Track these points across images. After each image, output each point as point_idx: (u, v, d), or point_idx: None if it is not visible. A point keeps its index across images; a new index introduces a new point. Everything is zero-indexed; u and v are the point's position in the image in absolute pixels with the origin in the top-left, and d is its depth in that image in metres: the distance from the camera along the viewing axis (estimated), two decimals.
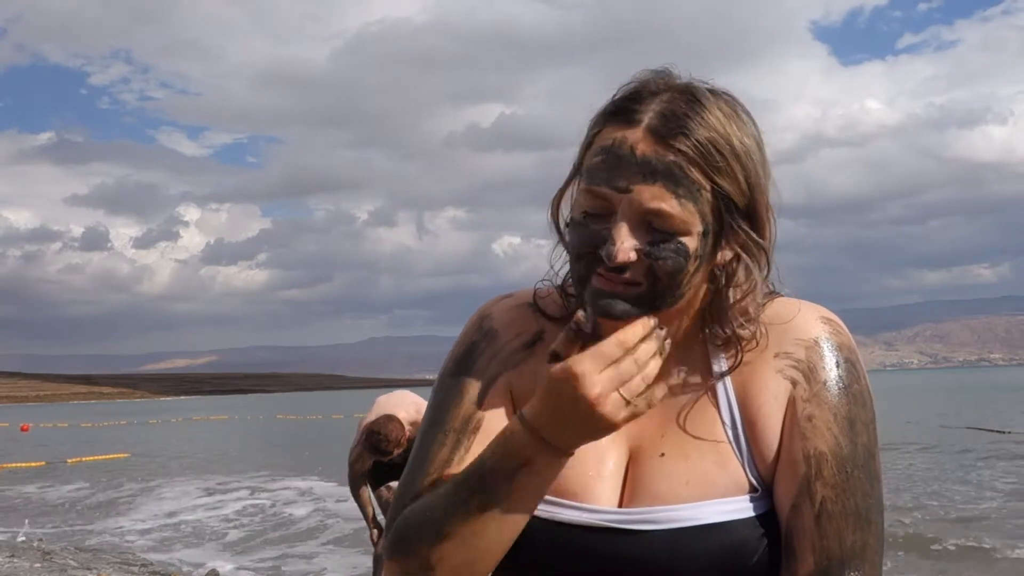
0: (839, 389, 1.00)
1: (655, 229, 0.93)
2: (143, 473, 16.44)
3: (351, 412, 52.35)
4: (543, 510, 0.98)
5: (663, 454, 1.01)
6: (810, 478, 0.97)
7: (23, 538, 8.84)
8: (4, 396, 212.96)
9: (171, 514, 10.67)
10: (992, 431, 18.11)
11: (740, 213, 0.96)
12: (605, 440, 0.95)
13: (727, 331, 1.01)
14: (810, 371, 1.01)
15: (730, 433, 1.01)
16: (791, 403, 1.00)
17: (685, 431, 1.02)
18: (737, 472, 0.99)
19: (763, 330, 1.02)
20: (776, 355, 1.02)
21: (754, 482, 0.99)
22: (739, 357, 1.01)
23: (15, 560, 6.90)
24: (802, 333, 1.03)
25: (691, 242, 0.93)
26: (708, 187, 0.94)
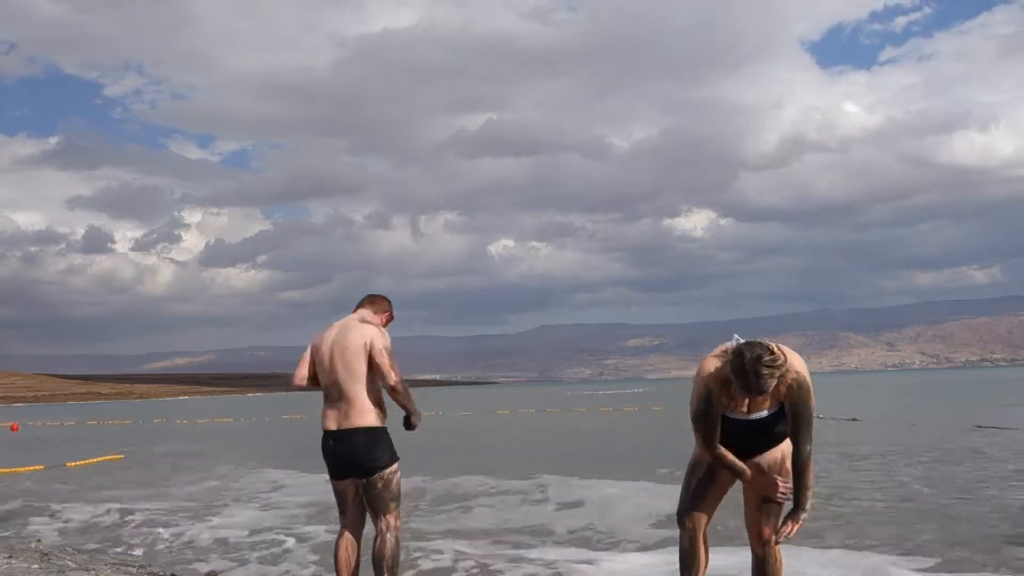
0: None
1: None
2: (144, 474, 16.34)
3: None
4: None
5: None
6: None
7: (21, 538, 8.72)
8: (1, 396, 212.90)
9: (172, 515, 10.55)
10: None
11: None
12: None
13: None
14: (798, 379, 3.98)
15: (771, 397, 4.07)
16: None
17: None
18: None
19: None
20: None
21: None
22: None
23: (13, 561, 6.78)
24: (794, 368, 3.96)
25: None
26: None
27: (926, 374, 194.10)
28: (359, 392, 4.78)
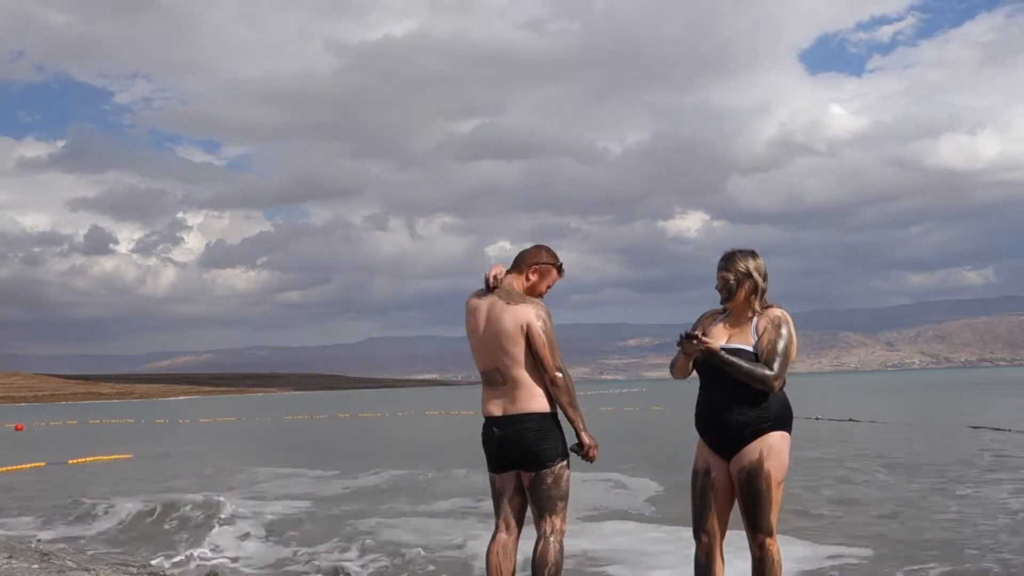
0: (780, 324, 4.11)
1: None
2: (150, 472, 16.36)
3: (356, 412, 52.32)
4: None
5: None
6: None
7: (20, 536, 8.75)
8: (2, 396, 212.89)
9: (171, 515, 10.58)
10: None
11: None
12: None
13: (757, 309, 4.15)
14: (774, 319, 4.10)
15: (753, 334, 4.07)
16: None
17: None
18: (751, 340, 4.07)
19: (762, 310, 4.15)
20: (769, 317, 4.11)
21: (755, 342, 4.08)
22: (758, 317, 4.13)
23: (13, 561, 6.82)
24: (775, 311, 4.11)
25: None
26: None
27: (926, 374, 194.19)
28: (525, 376, 4.22)
